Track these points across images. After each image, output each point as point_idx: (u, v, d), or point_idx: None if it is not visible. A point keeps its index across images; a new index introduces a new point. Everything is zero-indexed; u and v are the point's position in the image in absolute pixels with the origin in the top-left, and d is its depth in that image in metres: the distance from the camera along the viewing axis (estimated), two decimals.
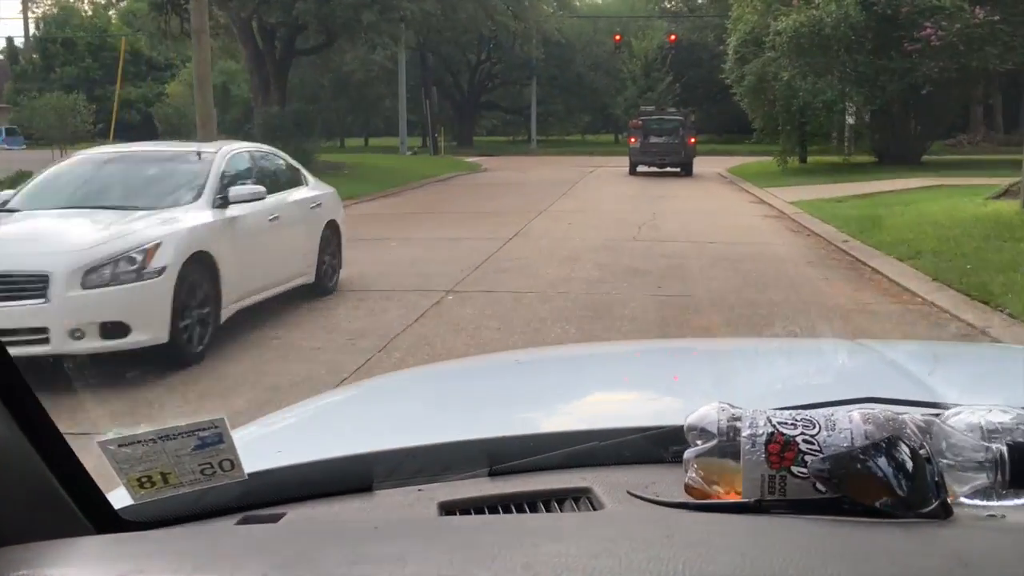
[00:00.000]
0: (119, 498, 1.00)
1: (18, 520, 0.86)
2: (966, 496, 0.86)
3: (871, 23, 22.43)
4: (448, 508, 1.02)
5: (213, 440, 0.96)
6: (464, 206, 17.99)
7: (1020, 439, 0.86)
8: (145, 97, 55.40)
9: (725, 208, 17.50)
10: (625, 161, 29.97)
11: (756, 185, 22.87)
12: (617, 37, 45.00)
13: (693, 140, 28.76)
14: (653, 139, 29.37)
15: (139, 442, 0.94)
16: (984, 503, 0.87)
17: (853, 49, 22.63)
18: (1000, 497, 0.86)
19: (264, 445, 1.31)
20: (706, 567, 0.71)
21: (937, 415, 0.92)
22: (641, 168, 29.36)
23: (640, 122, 29.69)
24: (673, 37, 44.92)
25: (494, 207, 17.45)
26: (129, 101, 52.42)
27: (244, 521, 1.05)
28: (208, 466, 0.96)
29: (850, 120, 25.50)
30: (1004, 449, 0.85)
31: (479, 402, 1.73)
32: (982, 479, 0.86)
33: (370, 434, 1.49)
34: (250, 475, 0.99)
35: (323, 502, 1.08)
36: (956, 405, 0.97)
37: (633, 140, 29.00)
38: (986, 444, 0.86)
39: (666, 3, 55.83)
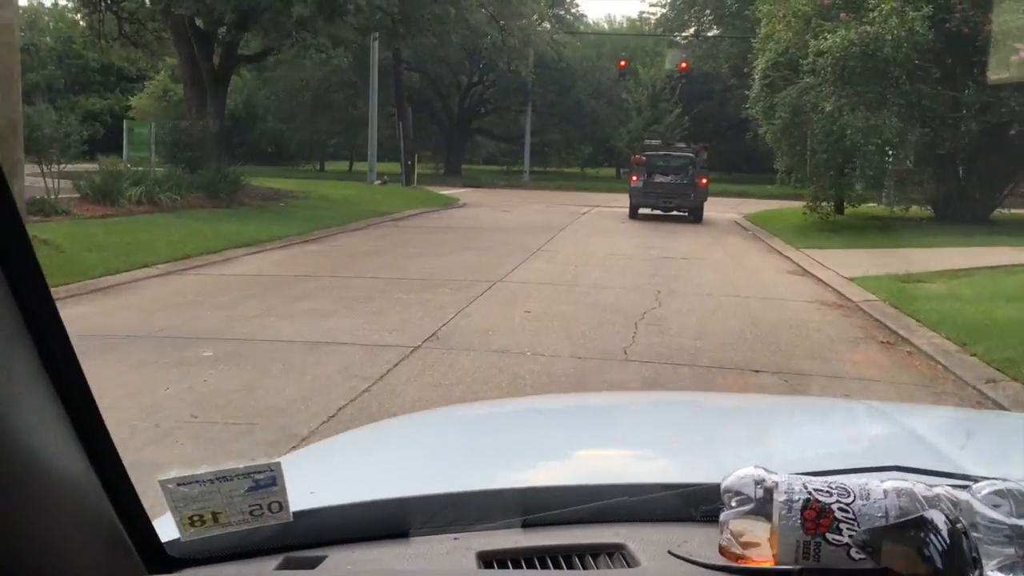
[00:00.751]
0: (162, 530, 0.99)
1: (84, 560, 0.85)
2: (993, 570, 0.84)
3: (940, 44, 17.51)
4: (486, 559, 1.01)
5: (267, 483, 0.98)
6: (391, 266, 12.82)
7: None
8: (112, 109, 50.64)
9: (759, 283, 12.38)
10: (625, 200, 24.97)
11: (787, 242, 17.88)
12: (622, 63, 40.20)
13: (705, 181, 23.78)
14: (659, 178, 24.39)
15: (198, 482, 0.96)
16: None
17: (917, 77, 17.69)
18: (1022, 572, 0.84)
19: (298, 482, 1.09)
20: None
21: (966, 486, 0.92)
22: (643, 211, 24.40)
23: (644, 157, 24.70)
24: (684, 65, 40.10)
25: (432, 270, 12.31)
26: (94, 113, 47.82)
27: (286, 563, 1.04)
28: (257, 507, 0.98)
29: (908, 164, 20.45)
30: None
31: (510, 448, 1.72)
32: (1010, 553, 0.84)
33: (404, 476, 1.47)
34: (293, 515, 0.99)
35: (361, 546, 1.07)
36: (983, 478, 0.94)
37: (635, 178, 24.00)
38: (1016, 520, 0.86)
39: (677, 36, 51.19)
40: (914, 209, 21.68)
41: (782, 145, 21.21)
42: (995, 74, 16.51)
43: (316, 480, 1.42)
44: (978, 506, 0.87)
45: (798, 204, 29.16)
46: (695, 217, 24.13)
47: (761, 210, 27.67)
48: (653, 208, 24.14)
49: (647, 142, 25.89)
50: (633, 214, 24.38)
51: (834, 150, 18.67)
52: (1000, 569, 0.84)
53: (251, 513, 0.99)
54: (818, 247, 16.30)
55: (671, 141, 27.50)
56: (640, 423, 2.00)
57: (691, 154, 24.93)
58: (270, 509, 0.99)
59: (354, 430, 2.39)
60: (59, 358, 0.81)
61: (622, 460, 1.66)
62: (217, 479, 0.96)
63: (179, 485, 0.96)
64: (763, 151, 52.48)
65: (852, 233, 18.70)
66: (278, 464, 0.99)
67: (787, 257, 15.64)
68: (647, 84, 44.38)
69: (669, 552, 0.98)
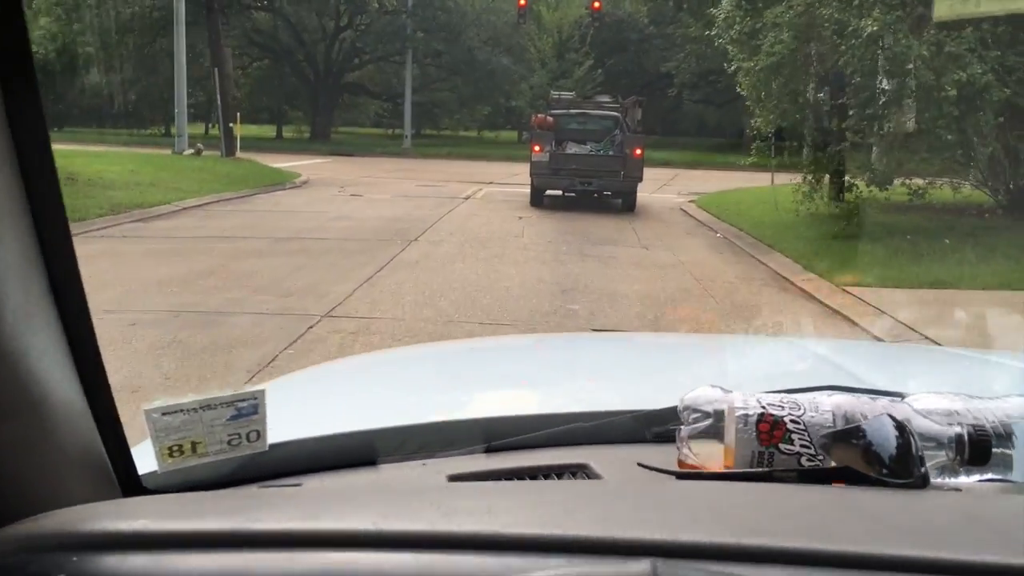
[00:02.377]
0: (140, 463, 0.96)
1: (67, 487, 0.85)
2: (928, 471, 0.87)
3: None
4: (456, 479, 1.03)
5: (249, 411, 0.97)
6: None
7: (975, 422, 0.91)
8: None
9: None
10: (528, 170, 16.94)
11: (794, 259, 10.27)
12: (522, 2, 31.90)
13: (640, 151, 15.90)
14: (572, 148, 16.43)
15: (182, 411, 0.95)
16: (943, 480, 0.90)
17: None
18: (956, 475, 0.90)
19: (273, 414, 1.08)
20: (741, 520, 0.72)
21: (902, 400, 0.96)
22: (552, 192, 16.51)
23: (550, 119, 16.71)
24: (597, 4, 32.06)
25: None
26: None
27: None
28: (236, 436, 0.97)
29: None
30: (965, 432, 0.89)
31: (474, 383, 1.76)
32: (942, 457, 0.89)
33: (373, 410, 1.49)
34: (267, 450, 0.99)
35: (333, 475, 1.08)
36: (910, 394, 0.99)
37: (537, 148, 15.96)
38: (948, 426, 0.90)
39: None
40: (956, 193, 14.19)
41: (770, 92, 13.44)
42: None
43: (285, 414, 1.27)
44: (914, 415, 0.91)
45: (753, 178, 21.56)
46: (626, 204, 16.30)
47: (713, 190, 19.97)
48: (565, 191, 16.21)
49: (555, 96, 17.69)
50: (537, 200, 16.43)
51: (879, 91, 10.92)
52: (933, 472, 0.88)
53: (229, 443, 0.97)
54: (859, 270, 8.72)
55: (589, 94, 19.43)
56: (600, 358, 2.01)
57: (618, 112, 17.05)
58: (248, 439, 0.98)
59: (320, 365, 2.35)
60: (66, 285, 0.84)
61: (582, 392, 1.65)
62: (201, 408, 0.95)
63: (163, 415, 0.94)
64: (690, 112, 45.19)
65: (889, 237, 11.03)
66: (262, 392, 0.98)
67: (813, 298, 7.88)
68: (552, 30, 36.36)
69: (638, 464, 0.99)
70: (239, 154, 23.06)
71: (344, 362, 2.38)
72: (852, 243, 10.92)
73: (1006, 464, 0.91)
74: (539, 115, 16.93)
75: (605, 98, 16.94)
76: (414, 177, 23.75)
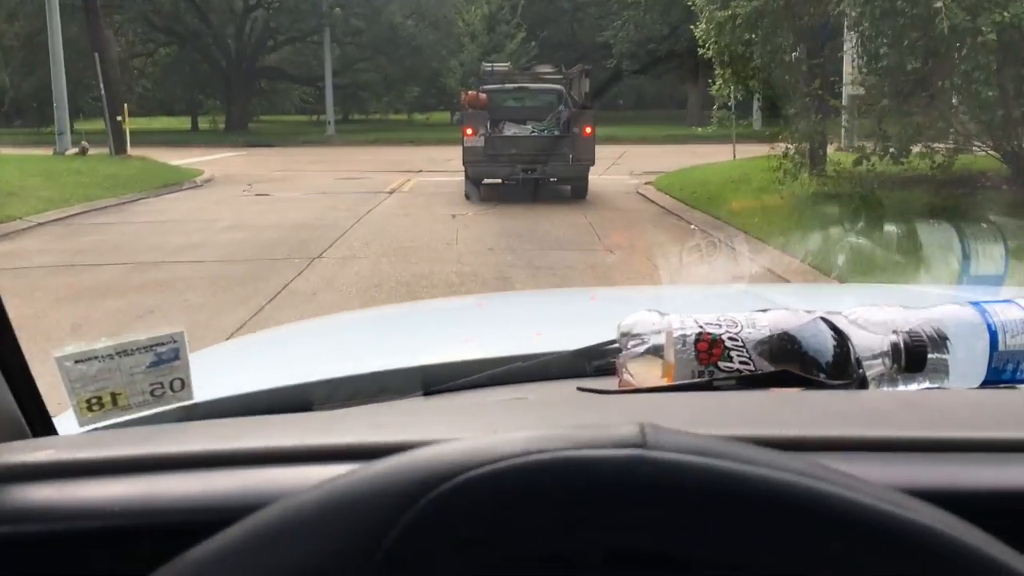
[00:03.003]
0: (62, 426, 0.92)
1: None
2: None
3: None
4: None
5: (169, 356, 0.91)
6: None
7: (911, 330, 0.90)
8: None
9: None
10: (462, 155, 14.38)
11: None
12: None
13: (590, 130, 13.50)
14: (510, 128, 13.96)
15: (96, 358, 0.88)
16: (881, 388, 0.90)
17: None
18: (895, 383, 0.90)
19: (201, 378, 1.03)
20: (671, 420, 0.64)
21: (838, 312, 0.95)
22: (489, 180, 14.07)
23: (483, 96, 14.24)
24: None
25: None
26: None
27: None
28: (159, 386, 0.91)
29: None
30: (901, 339, 0.89)
31: (406, 341, 1.73)
32: (879, 366, 0.89)
33: (306, 367, 1.45)
34: (196, 405, 0.94)
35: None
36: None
37: (470, 131, 13.43)
38: (884, 335, 0.90)
39: None
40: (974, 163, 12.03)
41: (747, 47, 11.13)
42: None
43: (215, 376, 1.35)
44: (850, 326, 0.90)
45: (708, 153, 19.47)
46: (577, 191, 13.94)
47: (669, 168, 17.65)
48: (506, 179, 13.75)
49: (487, 68, 15.11)
50: (473, 192, 13.95)
51: (901, 43, 8.61)
52: (872, 380, 0.89)
53: (152, 393, 0.91)
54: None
55: (527, 65, 16.90)
56: (541, 310, 2.03)
57: (561, 84, 14.62)
58: (172, 388, 0.91)
59: (255, 333, 2.32)
60: None
61: (522, 339, 1.57)
62: (117, 354, 0.88)
63: (76, 362, 0.87)
64: (629, 84, 42.73)
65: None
66: (181, 334, 0.90)
67: None
68: (481, 1, 33.72)
69: (579, 388, 0.97)
70: (132, 151, 20.12)
71: (278, 330, 2.39)
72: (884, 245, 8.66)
73: (942, 370, 0.92)
74: (469, 92, 14.43)
75: (546, 69, 14.46)
76: (335, 168, 21.08)
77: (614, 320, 1.52)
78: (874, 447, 0.65)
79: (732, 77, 11.85)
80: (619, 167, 19.39)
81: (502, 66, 14.56)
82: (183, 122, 40.09)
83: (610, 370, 1.02)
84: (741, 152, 20.01)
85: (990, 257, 1.82)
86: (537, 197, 13.65)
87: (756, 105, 24.34)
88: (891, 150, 9.58)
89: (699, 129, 16.78)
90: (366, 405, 1.05)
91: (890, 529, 0.46)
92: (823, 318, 0.91)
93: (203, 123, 39.23)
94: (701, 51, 12.18)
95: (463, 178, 14.11)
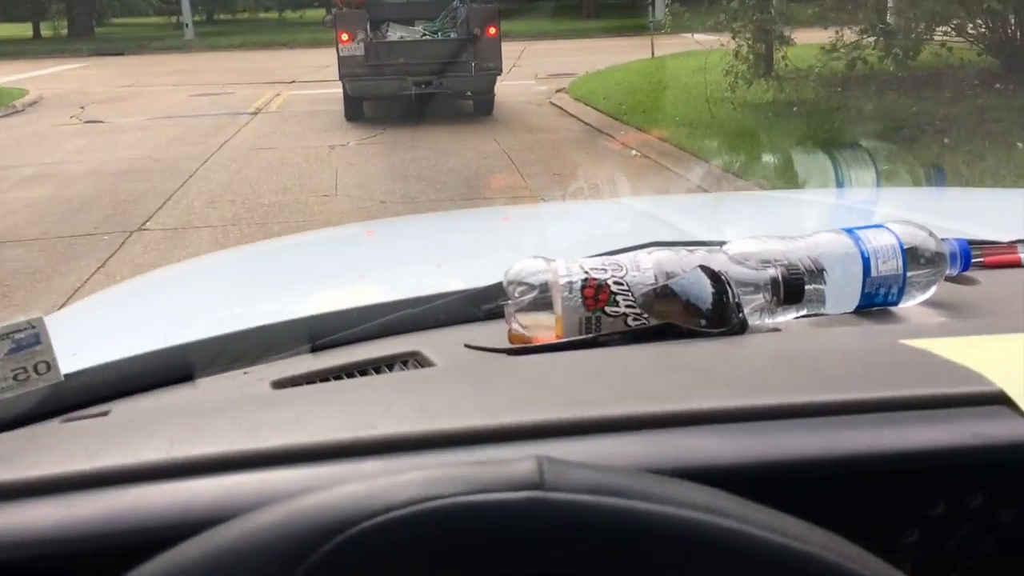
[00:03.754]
0: None
1: None
2: (749, 315, 0.90)
3: None
4: (281, 384, 0.94)
5: (30, 342, 0.86)
6: None
7: (789, 262, 0.93)
8: None
9: None
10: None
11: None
12: None
13: (494, 29, 10.86)
14: (397, 32, 11.24)
15: None
16: (761, 321, 0.92)
17: None
18: (774, 314, 0.92)
19: (66, 344, 0.98)
20: (565, 393, 0.71)
21: (718, 248, 0.96)
22: (373, 101, 11.38)
23: None
24: None
25: None
26: None
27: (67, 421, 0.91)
28: (22, 370, 0.86)
29: None
30: (779, 273, 0.91)
31: (290, 284, 1.61)
32: (759, 300, 0.91)
33: (183, 323, 1.35)
34: (64, 376, 0.89)
35: (145, 396, 0.96)
36: (726, 241, 0.98)
37: (346, 37, 10.60)
38: (762, 269, 0.92)
39: None
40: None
41: None
42: None
43: (86, 339, 1.31)
44: (729, 263, 0.92)
45: (618, 48, 17.09)
46: (482, 107, 11.40)
47: (579, 71, 15.16)
48: (393, 94, 11.04)
49: None
50: (354, 113, 11.26)
51: None
52: (752, 315, 0.90)
53: (15, 378, 0.85)
54: None
55: None
56: (426, 242, 1.91)
57: None
58: (36, 371, 0.86)
59: (127, 282, 2.08)
60: None
61: (410, 277, 1.58)
62: None
63: None
64: None
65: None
66: (40, 320, 0.86)
67: None
68: None
69: (465, 345, 0.95)
70: None
71: (154, 275, 2.13)
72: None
73: (819, 299, 0.94)
74: None
75: None
76: (193, 81, 17.83)
77: (496, 248, 1.70)
78: (748, 417, 0.65)
79: None
80: (521, 69, 16.75)
81: None
82: (23, 29, 35.05)
83: (500, 314, 0.98)
84: (662, 49, 17.65)
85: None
86: (433, 116, 11.06)
87: None
88: (896, 50, 7.34)
89: (648, 24, 14.38)
90: (253, 368, 0.99)
91: (786, 565, 0.46)
92: (702, 266, 0.90)
93: (45, 30, 34.35)
94: None
95: (341, 92, 11.35)
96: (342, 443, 0.63)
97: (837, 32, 9.37)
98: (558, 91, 13.59)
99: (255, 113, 12.77)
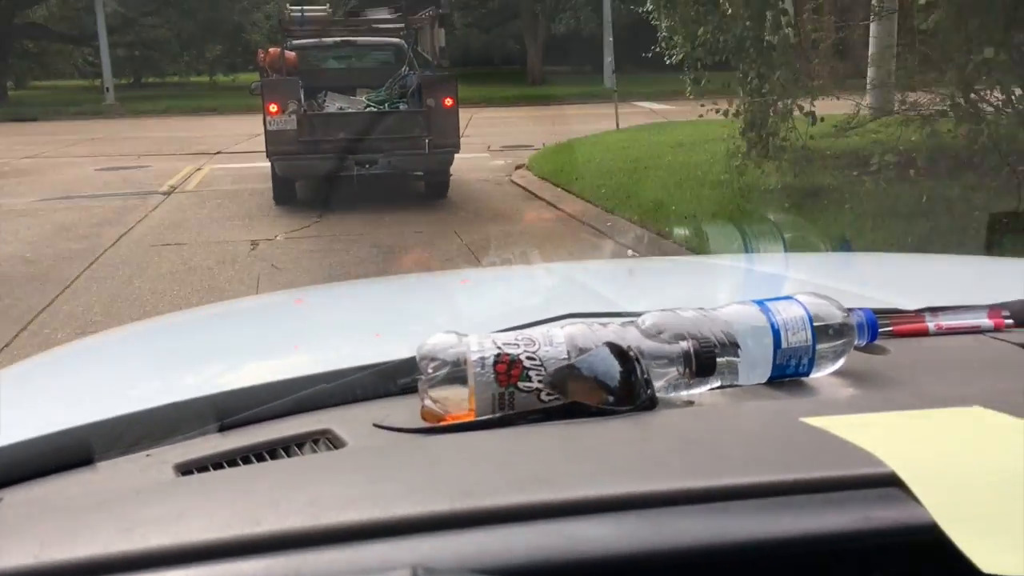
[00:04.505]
0: None
1: None
2: (661, 389, 0.90)
3: None
4: (185, 469, 0.87)
5: None
6: None
7: (701, 335, 0.92)
8: None
9: None
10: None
11: None
12: None
13: (451, 100, 9.13)
14: (335, 103, 9.43)
15: None
16: (675, 394, 0.91)
17: None
18: (688, 387, 0.91)
19: None
20: (462, 480, 0.70)
21: (631, 322, 0.95)
22: (305, 182, 9.51)
23: (291, 54, 9.61)
24: None
25: None
26: None
27: None
28: None
29: None
30: (691, 347, 0.90)
31: (202, 356, 1.53)
32: (672, 373, 0.90)
33: (84, 403, 1.25)
34: None
35: (40, 483, 0.89)
36: (643, 312, 0.97)
37: (274, 107, 8.79)
38: (674, 343, 0.91)
39: None
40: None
41: None
42: None
43: None
44: (642, 337, 0.91)
45: (571, 119, 15.79)
46: (436, 188, 9.65)
47: (535, 142, 13.56)
48: (331, 175, 9.17)
49: (295, 15, 10.07)
50: (284, 196, 9.40)
51: None
52: (666, 388, 0.90)
53: None
54: None
55: (354, 9, 11.96)
56: (337, 313, 1.82)
57: (404, 34, 10.13)
58: None
59: (23, 361, 1.85)
60: None
61: (318, 350, 1.49)
62: None
63: None
64: (453, 37, 38.03)
65: None
66: None
67: None
68: None
69: (374, 424, 0.91)
70: None
71: (58, 351, 1.97)
72: None
73: (733, 371, 0.94)
74: (271, 49, 9.72)
75: (380, 12, 9.82)
76: (105, 151, 15.79)
77: (409, 319, 1.62)
78: (646, 503, 0.64)
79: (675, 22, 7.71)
80: (470, 140, 14.97)
81: (317, 10, 9.76)
82: None
83: (413, 389, 0.96)
84: (603, 115, 16.25)
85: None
86: (378, 198, 9.25)
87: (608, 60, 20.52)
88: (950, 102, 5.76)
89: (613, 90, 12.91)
90: (157, 449, 0.93)
91: None
92: (609, 343, 0.88)
93: None
94: None
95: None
96: (221, 543, 0.60)
97: (857, 104, 7.86)
98: (518, 167, 11.91)
99: (168, 193, 10.80)
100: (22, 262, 7.19)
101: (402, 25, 9.85)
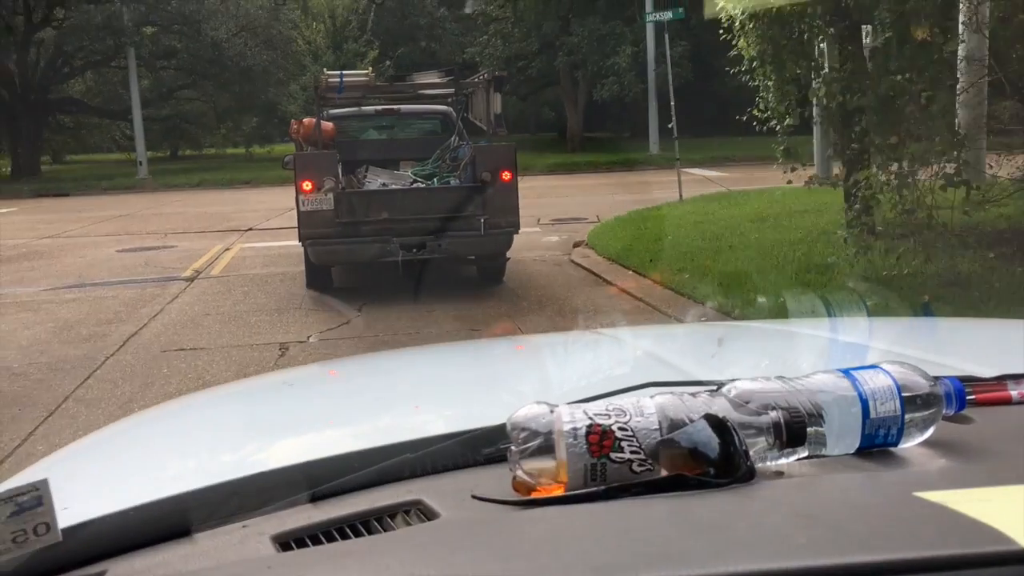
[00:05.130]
0: None
1: None
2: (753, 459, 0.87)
3: None
4: (282, 541, 0.88)
5: (31, 504, 0.83)
6: None
7: (789, 405, 0.90)
8: None
9: None
10: None
11: None
12: None
13: (510, 174, 7.89)
14: (377, 178, 8.20)
15: None
16: (762, 464, 0.88)
17: None
18: (777, 458, 0.89)
19: (61, 491, 0.91)
20: (589, 557, 0.70)
21: (716, 390, 0.93)
22: (345, 266, 8.24)
23: (328, 125, 8.42)
24: None
25: None
26: None
27: None
28: (21, 533, 0.83)
29: None
30: (781, 417, 0.88)
31: (291, 421, 1.53)
32: (761, 443, 0.88)
33: (179, 470, 1.31)
34: (62, 534, 0.84)
35: (142, 554, 0.89)
36: (727, 381, 0.95)
37: (308, 185, 7.62)
38: (764, 412, 0.89)
39: None
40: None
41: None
42: None
43: (81, 487, 1.24)
44: (730, 407, 0.90)
45: (621, 185, 14.80)
46: (491, 274, 8.36)
47: (588, 214, 12.33)
48: (374, 261, 7.92)
49: (332, 80, 8.96)
50: (319, 283, 8.16)
51: None
52: (755, 456, 0.87)
53: (14, 540, 0.82)
54: None
55: (400, 75, 10.67)
56: (421, 378, 1.81)
57: (454, 100, 8.96)
58: (36, 532, 0.83)
59: (117, 423, 1.91)
60: None
61: (403, 418, 1.48)
62: None
63: None
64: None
65: None
66: (44, 483, 0.83)
67: None
68: (323, 16, 27.70)
69: (473, 496, 0.90)
70: None
71: (146, 415, 2.12)
72: None
73: (820, 441, 0.92)
74: (305, 119, 8.59)
75: (429, 76, 8.62)
76: (131, 229, 14.82)
77: (493, 386, 1.62)
78: None
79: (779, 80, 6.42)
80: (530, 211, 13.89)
81: (357, 75, 8.54)
82: None
83: (500, 458, 0.94)
84: (654, 183, 15.06)
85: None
86: (426, 285, 7.94)
87: (670, 125, 19.55)
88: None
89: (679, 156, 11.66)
90: (253, 520, 0.92)
91: None
92: (709, 415, 0.86)
93: None
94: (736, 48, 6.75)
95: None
96: None
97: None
98: (577, 245, 10.62)
99: (191, 279, 9.62)
100: (6, 376, 5.95)
101: (452, 91, 8.65)
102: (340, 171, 7.76)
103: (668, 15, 12.74)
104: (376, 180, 8.02)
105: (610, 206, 13.96)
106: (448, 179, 8.10)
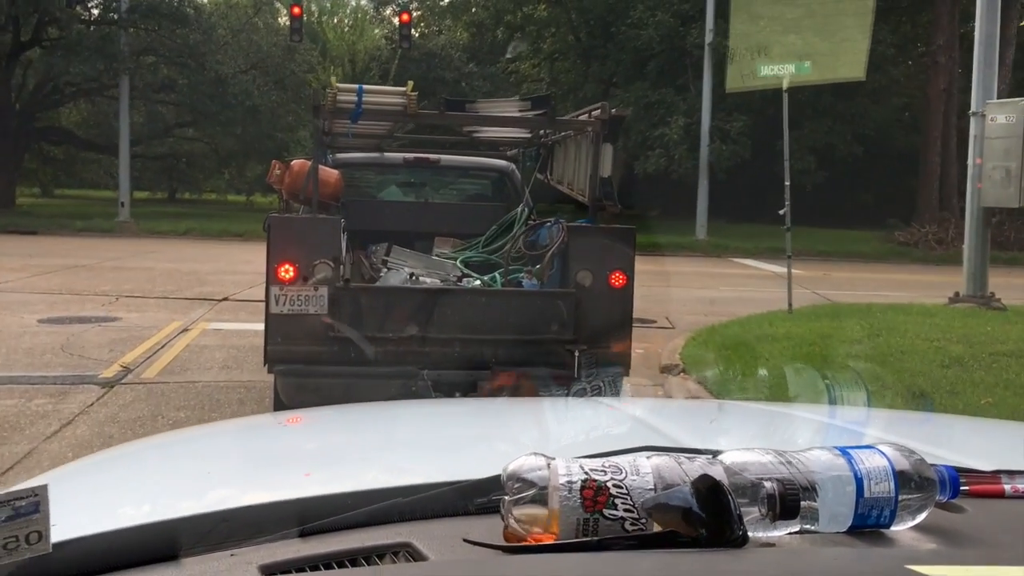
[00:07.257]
0: None
1: None
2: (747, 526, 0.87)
3: None
4: (269, 571, 0.89)
5: (28, 510, 0.82)
6: None
7: (784, 477, 0.89)
8: None
9: None
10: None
11: None
12: (296, 9, 20.26)
13: (623, 279, 4.69)
14: (402, 263, 4.94)
15: None
16: (757, 535, 0.88)
17: None
18: (767, 528, 0.88)
19: (54, 508, 0.91)
20: None
21: (712, 457, 0.93)
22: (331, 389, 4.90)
23: (335, 172, 5.13)
24: (407, 16, 20.95)
25: None
26: None
27: None
28: (13, 539, 0.81)
29: None
30: (776, 489, 0.87)
31: (284, 460, 1.54)
32: (754, 513, 0.88)
33: (172, 496, 1.29)
34: (52, 554, 0.84)
35: (129, 574, 0.90)
36: (721, 451, 0.95)
37: (289, 272, 4.42)
38: (759, 482, 0.88)
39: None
40: None
41: None
42: None
43: (73, 505, 1.22)
44: (725, 474, 0.88)
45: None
46: None
47: (667, 310, 9.12)
48: (387, 399, 4.63)
49: (341, 93, 5.86)
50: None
51: None
52: (748, 524, 0.87)
53: (5, 546, 0.80)
54: None
55: (458, 99, 7.40)
56: (419, 429, 1.82)
57: (510, 157, 5.81)
58: (27, 540, 0.81)
59: (114, 448, 1.86)
60: None
61: (400, 463, 1.46)
62: None
63: None
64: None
65: None
66: (44, 488, 0.82)
67: None
68: (342, 60, 24.87)
69: (464, 540, 0.90)
70: None
71: (144, 442, 2.04)
72: None
73: (812, 516, 0.91)
74: (294, 161, 5.35)
75: (506, 106, 5.35)
76: (79, 286, 11.63)
77: (490, 440, 1.58)
78: None
79: None
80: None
81: (387, 92, 5.29)
82: None
83: (492, 508, 0.94)
84: (711, 274, 12.02)
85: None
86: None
87: (782, 211, 16.85)
88: None
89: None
90: (241, 549, 0.92)
91: None
92: (705, 476, 0.85)
93: None
94: None
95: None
96: None
97: None
98: (665, 369, 7.34)
99: (110, 384, 6.35)
100: None
101: (530, 133, 5.47)
102: (344, 247, 4.54)
103: (791, 68, 9.49)
104: (401, 269, 4.77)
105: (679, 305, 10.83)
106: (519, 276, 4.87)
